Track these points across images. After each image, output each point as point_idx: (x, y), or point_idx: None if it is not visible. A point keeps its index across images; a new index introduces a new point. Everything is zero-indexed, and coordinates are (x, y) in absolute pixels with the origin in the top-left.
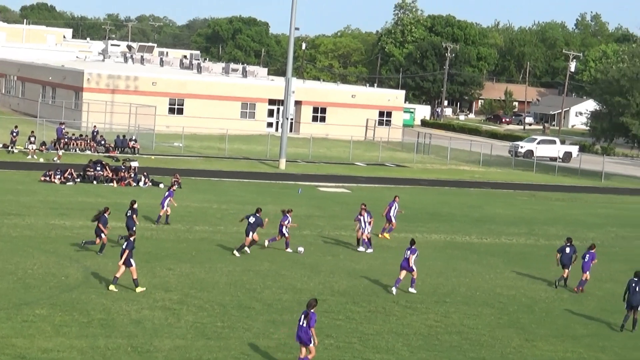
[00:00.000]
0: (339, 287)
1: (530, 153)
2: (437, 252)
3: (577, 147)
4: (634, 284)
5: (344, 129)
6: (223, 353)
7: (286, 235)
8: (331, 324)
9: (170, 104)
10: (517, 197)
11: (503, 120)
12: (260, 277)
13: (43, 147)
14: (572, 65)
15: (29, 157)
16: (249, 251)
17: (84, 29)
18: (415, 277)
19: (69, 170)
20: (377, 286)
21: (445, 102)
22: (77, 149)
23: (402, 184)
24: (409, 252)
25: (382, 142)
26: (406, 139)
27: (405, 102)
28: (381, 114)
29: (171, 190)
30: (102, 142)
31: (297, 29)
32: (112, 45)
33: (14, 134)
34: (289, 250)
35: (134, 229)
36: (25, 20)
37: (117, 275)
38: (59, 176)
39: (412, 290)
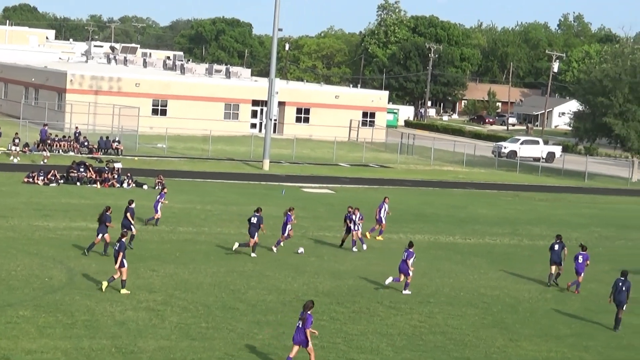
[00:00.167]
0: (323, 288)
1: (513, 153)
2: (421, 252)
3: (560, 147)
4: (620, 283)
5: (327, 130)
6: (207, 354)
7: (287, 233)
8: (315, 324)
9: (153, 105)
10: (500, 197)
11: (486, 120)
12: (245, 278)
13: (26, 148)
14: (555, 66)
15: (11, 158)
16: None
17: (66, 30)
18: (409, 281)
19: (52, 171)
20: (361, 287)
21: (429, 103)
22: (60, 150)
23: (385, 184)
24: (406, 254)
25: (365, 142)
26: (390, 140)
27: (388, 103)
28: (365, 114)
29: (162, 192)
30: (86, 144)
31: (280, 29)
32: (95, 46)
33: None
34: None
35: (132, 227)
36: (7, 21)
37: (115, 276)
38: (42, 177)
39: (406, 292)
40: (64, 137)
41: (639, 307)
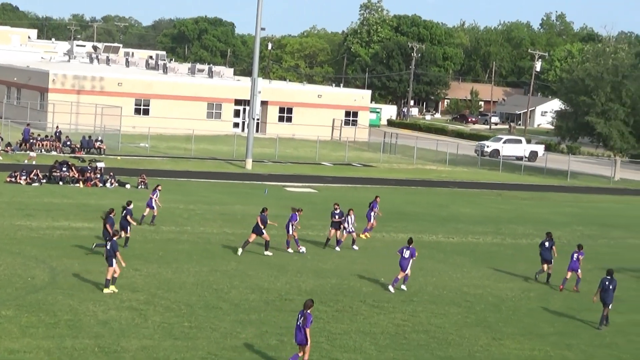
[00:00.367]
0: (306, 287)
1: (496, 152)
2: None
3: (543, 146)
4: (607, 282)
5: (310, 129)
6: (190, 353)
7: (290, 232)
8: None
9: (136, 105)
10: (483, 196)
11: (469, 119)
12: (227, 277)
13: (8, 147)
14: (538, 65)
15: None
16: (241, 250)
17: (49, 29)
18: (399, 277)
19: (35, 171)
20: (345, 286)
21: (412, 102)
22: (43, 150)
23: (368, 183)
24: (407, 251)
25: (348, 142)
26: (372, 139)
27: (371, 102)
28: (347, 114)
29: (156, 190)
30: (68, 143)
31: (263, 29)
32: (77, 45)
33: None
34: (289, 250)
35: (129, 228)
36: None
37: (115, 275)
38: (24, 177)
39: (403, 287)
40: (46, 136)
41: (622, 305)
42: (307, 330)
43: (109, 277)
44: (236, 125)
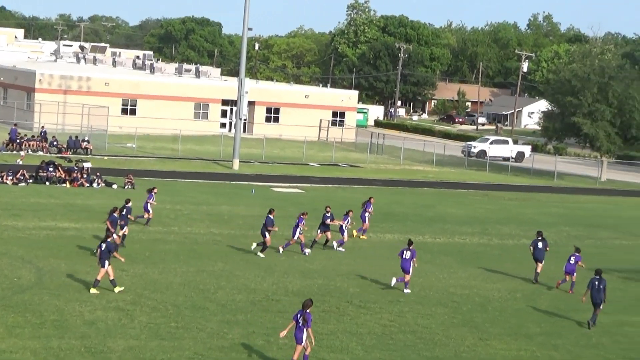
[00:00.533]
0: (293, 287)
1: (483, 153)
2: (390, 251)
3: (530, 147)
4: (596, 282)
5: (297, 130)
6: (177, 353)
7: (296, 236)
8: (285, 324)
9: (123, 105)
10: (470, 196)
11: (456, 120)
12: (214, 278)
13: None
14: (525, 66)
15: None
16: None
17: (35, 29)
18: (408, 280)
19: (21, 171)
20: (331, 286)
21: (399, 103)
22: (30, 150)
23: (355, 184)
24: (409, 253)
25: (335, 142)
26: (359, 139)
27: (358, 103)
28: (334, 114)
29: (151, 193)
30: (55, 143)
31: (250, 29)
32: (64, 45)
33: None
34: (307, 251)
35: (125, 227)
36: None
37: (111, 277)
38: (11, 177)
39: (406, 290)
40: (32, 136)
41: (608, 306)
42: (310, 330)
43: (99, 277)
44: (223, 125)
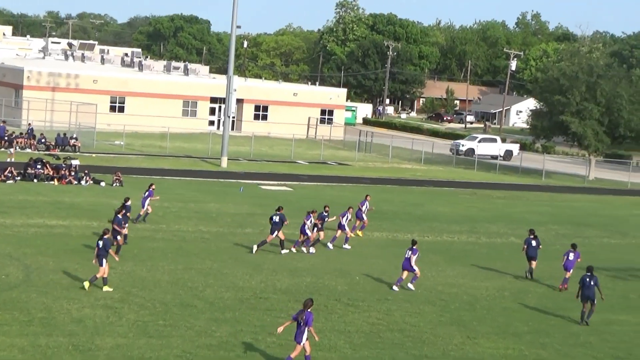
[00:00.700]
0: (281, 285)
1: (471, 151)
2: (379, 250)
3: (518, 145)
4: (587, 279)
5: (285, 127)
6: (165, 351)
7: (308, 234)
8: (273, 322)
9: (111, 102)
10: (458, 195)
11: (444, 118)
12: (202, 276)
13: None
14: (513, 64)
15: None
16: (284, 252)
17: (24, 26)
18: (418, 275)
19: (9, 168)
20: (320, 284)
21: (387, 101)
22: (18, 147)
23: (344, 182)
24: (410, 252)
25: (324, 140)
26: (348, 137)
27: (347, 101)
28: (323, 112)
29: (151, 190)
30: (43, 140)
31: (238, 27)
32: (52, 42)
33: None
34: (293, 249)
35: (125, 225)
36: None
37: (105, 275)
38: None
39: (410, 286)
40: (20, 134)
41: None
42: (311, 329)
43: (99, 275)
44: (212, 123)
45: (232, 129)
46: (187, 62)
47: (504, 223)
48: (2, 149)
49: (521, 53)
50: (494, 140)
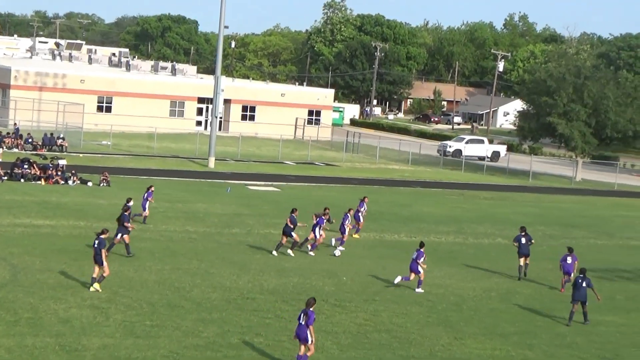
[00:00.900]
0: (269, 286)
1: (458, 152)
2: (366, 250)
3: (505, 146)
4: (580, 280)
5: (273, 128)
6: (152, 352)
7: (318, 236)
8: (260, 322)
9: (98, 102)
10: (445, 196)
11: (432, 119)
12: (189, 276)
13: None
14: (501, 65)
15: None
16: (292, 254)
17: (11, 25)
18: (422, 279)
19: None
20: (307, 285)
21: (375, 101)
22: (5, 147)
23: (331, 182)
24: (417, 253)
25: (311, 141)
26: (335, 138)
27: (334, 101)
28: (310, 112)
29: (150, 191)
30: (30, 140)
31: (226, 27)
32: (39, 42)
33: None
34: (311, 253)
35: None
36: None
37: (94, 275)
38: None
39: (419, 290)
40: (8, 133)
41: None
42: (311, 328)
43: (105, 275)
44: (199, 123)
45: (220, 129)
46: (174, 62)
47: (491, 224)
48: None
49: (509, 54)
50: (481, 142)
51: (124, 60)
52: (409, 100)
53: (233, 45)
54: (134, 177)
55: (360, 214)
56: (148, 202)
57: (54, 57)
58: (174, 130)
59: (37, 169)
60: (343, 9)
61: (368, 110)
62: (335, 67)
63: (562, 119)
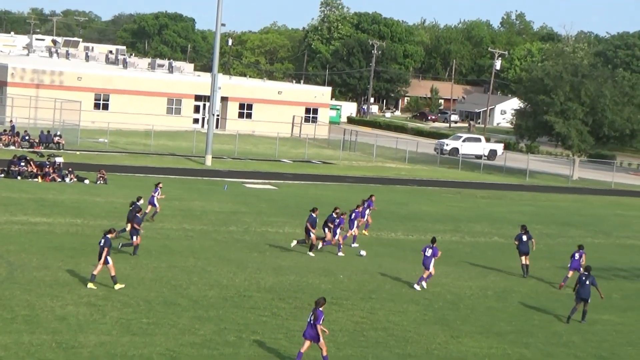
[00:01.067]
0: (265, 284)
1: (455, 151)
2: (363, 248)
3: (502, 145)
4: (584, 278)
5: (270, 126)
6: (148, 349)
7: (336, 237)
8: (257, 320)
9: (95, 100)
10: (442, 194)
11: (429, 117)
12: (186, 273)
13: None
14: (498, 64)
15: None
16: (320, 246)
17: (8, 23)
18: (430, 275)
19: None
20: (303, 283)
21: (372, 100)
22: (1, 144)
23: (328, 181)
24: (430, 250)
25: (308, 139)
26: (332, 136)
27: (331, 99)
28: (307, 110)
29: (157, 188)
30: (27, 138)
31: (223, 24)
32: (36, 39)
33: None
34: (341, 253)
35: (139, 225)
36: None
37: (94, 273)
38: None
39: (422, 285)
40: (4, 131)
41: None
42: (319, 327)
43: (112, 273)
44: (196, 121)
45: (217, 127)
46: (171, 60)
47: (487, 222)
48: None
49: (505, 52)
50: (478, 140)
51: (121, 57)
52: (406, 98)
53: (230, 43)
54: (130, 175)
55: (367, 212)
56: (156, 199)
57: (50, 55)
58: (171, 127)
59: (34, 167)
60: (340, 6)
61: (365, 108)
62: (332, 65)
63: (559, 117)
